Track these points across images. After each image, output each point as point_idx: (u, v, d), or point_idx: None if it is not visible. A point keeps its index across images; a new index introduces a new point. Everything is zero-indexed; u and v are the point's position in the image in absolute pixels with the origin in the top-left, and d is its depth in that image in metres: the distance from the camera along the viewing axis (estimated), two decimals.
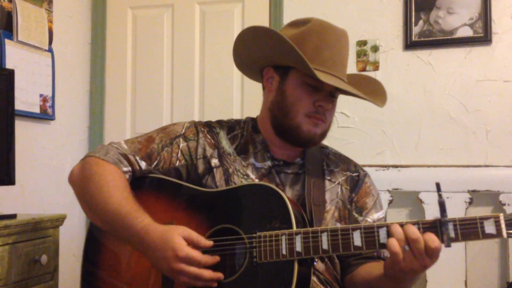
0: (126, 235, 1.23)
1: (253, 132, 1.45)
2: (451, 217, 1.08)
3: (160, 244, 1.16)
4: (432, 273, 2.24)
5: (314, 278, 1.28)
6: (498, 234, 1.05)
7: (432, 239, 1.07)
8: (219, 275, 1.18)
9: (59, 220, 2.01)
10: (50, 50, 2.55)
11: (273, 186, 1.25)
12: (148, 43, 2.87)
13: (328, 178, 1.42)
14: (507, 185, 2.24)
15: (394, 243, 1.09)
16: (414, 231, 1.08)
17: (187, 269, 1.14)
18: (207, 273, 1.16)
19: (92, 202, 1.31)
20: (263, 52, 1.37)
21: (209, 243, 1.20)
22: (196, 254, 1.15)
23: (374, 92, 1.43)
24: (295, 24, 1.39)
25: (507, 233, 1.05)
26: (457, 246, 2.21)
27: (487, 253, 2.33)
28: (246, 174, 1.38)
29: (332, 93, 1.35)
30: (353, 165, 1.49)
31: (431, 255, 1.08)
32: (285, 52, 1.30)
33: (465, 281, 2.24)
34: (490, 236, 1.06)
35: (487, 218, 1.06)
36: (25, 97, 2.38)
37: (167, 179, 1.38)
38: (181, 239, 1.16)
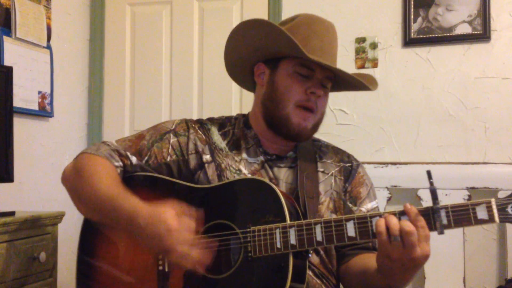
0: (116, 217, 1.21)
1: (244, 128, 1.46)
2: (443, 204, 1.09)
3: (150, 221, 1.14)
4: (430, 270, 2.25)
5: (309, 272, 1.29)
6: (491, 219, 1.05)
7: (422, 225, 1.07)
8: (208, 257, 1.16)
9: (57, 217, 2.01)
10: (48, 47, 2.54)
11: (265, 180, 1.25)
12: (146, 40, 2.87)
13: (321, 170, 1.43)
14: (505, 182, 2.24)
15: (380, 223, 1.09)
16: (408, 224, 1.08)
17: (178, 247, 1.11)
18: (197, 253, 1.13)
19: (83, 192, 1.31)
20: (254, 45, 1.38)
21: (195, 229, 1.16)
22: (189, 222, 1.13)
23: (365, 80, 1.44)
24: (283, 23, 1.41)
25: (499, 218, 1.05)
26: (456, 243, 2.22)
27: (486, 250, 2.33)
28: (239, 169, 1.38)
29: (323, 83, 1.36)
30: (346, 156, 1.50)
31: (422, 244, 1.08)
32: (277, 40, 1.30)
33: (464, 278, 2.24)
34: (482, 221, 1.06)
35: (479, 203, 1.06)
36: (24, 94, 2.38)
37: (159, 176, 1.38)
38: (172, 211, 1.13)
